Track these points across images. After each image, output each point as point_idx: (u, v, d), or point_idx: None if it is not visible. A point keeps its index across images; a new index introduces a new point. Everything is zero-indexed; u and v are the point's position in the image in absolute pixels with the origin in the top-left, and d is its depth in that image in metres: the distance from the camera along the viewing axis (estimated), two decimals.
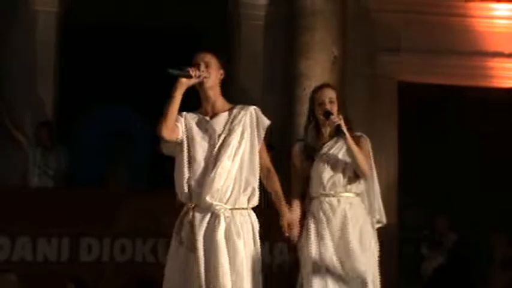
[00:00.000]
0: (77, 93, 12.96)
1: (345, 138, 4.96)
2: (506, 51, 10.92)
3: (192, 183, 4.41)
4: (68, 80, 11.56)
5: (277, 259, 8.00)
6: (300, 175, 5.19)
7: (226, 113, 4.53)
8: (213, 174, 4.36)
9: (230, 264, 4.30)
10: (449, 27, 10.72)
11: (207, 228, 4.35)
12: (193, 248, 4.33)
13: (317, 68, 9.54)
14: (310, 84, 9.39)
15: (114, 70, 12.96)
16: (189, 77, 4.41)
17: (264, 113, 4.63)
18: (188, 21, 12.39)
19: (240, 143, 4.45)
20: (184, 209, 4.46)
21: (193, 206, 4.41)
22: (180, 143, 4.45)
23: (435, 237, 9.58)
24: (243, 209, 4.44)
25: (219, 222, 4.34)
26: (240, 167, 4.42)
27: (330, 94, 5.17)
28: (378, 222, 5.19)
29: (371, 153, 5.17)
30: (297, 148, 5.27)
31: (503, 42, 10.92)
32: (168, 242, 4.61)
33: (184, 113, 4.52)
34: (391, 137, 10.48)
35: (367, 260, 4.97)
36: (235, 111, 4.53)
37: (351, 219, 5.01)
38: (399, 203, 10.42)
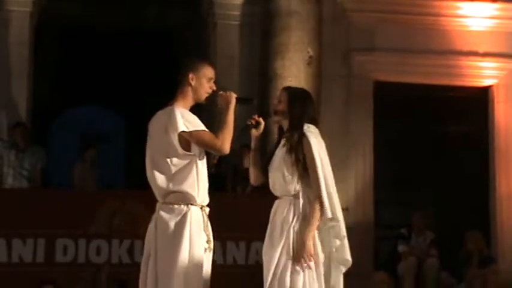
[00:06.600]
0: (52, 93, 12.90)
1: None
2: (481, 51, 10.98)
3: None
4: (43, 81, 11.49)
5: None
6: None
7: None
8: None
9: None
10: (424, 27, 10.77)
11: None
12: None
13: (293, 68, 9.55)
14: (285, 84, 9.44)
15: (90, 70, 12.90)
16: None
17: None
18: (164, 21, 12.38)
19: None
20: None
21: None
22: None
23: (411, 235, 9.60)
24: None
25: None
26: None
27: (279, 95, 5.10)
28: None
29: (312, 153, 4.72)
30: None
31: (478, 42, 10.98)
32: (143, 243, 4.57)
33: None
34: (367, 135, 10.50)
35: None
36: None
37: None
38: (375, 201, 10.47)
